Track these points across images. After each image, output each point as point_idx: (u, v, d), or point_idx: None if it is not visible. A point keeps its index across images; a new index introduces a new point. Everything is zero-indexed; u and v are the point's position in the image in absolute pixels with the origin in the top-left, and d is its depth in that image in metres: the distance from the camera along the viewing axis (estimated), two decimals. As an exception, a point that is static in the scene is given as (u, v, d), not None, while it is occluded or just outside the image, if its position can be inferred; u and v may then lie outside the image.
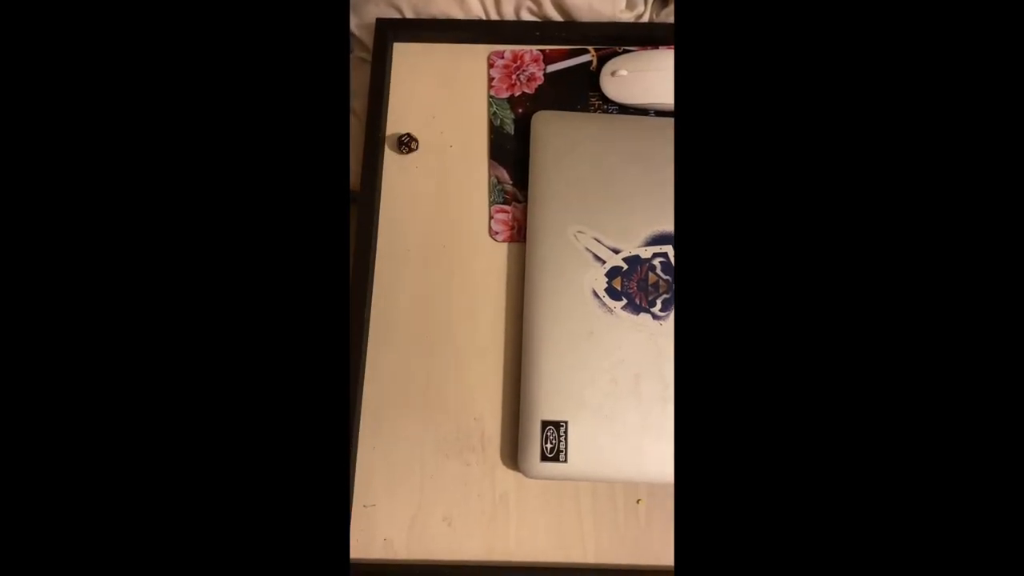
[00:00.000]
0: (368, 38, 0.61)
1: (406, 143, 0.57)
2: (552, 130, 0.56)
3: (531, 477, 0.48)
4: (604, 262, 0.52)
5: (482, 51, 0.61)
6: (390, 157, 0.58)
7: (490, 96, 0.60)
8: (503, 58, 0.61)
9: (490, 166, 0.58)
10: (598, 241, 0.52)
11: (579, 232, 0.52)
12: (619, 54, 0.60)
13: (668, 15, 0.64)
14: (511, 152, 0.58)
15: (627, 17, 0.63)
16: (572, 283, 0.51)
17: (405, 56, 0.60)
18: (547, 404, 0.49)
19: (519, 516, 0.50)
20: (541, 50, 0.61)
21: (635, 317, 0.51)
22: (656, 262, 0.52)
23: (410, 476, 0.50)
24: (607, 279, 0.51)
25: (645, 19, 0.64)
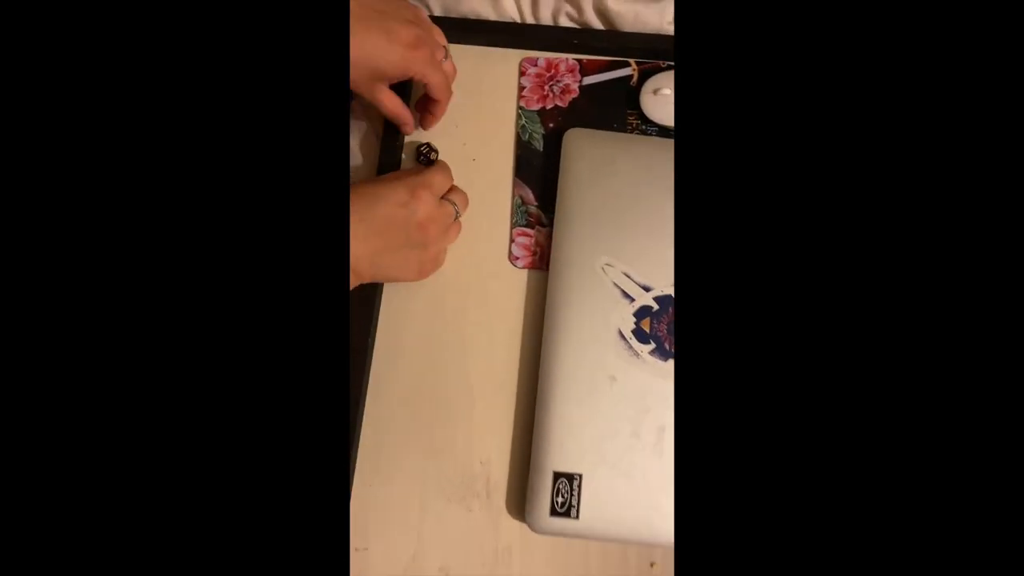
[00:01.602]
0: (392, 35, 0.57)
1: (425, 154, 0.53)
2: (585, 149, 0.51)
3: (538, 531, 0.44)
4: (633, 300, 0.47)
5: (514, 56, 0.56)
6: (408, 167, 0.53)
7: (519, 107, 0.55)
8: (536, 66, 0.56)
9: (514, 184, 0.53)
10: (628, 276, 0.48)
11: (608, 264, 0.48)
12: (663, 70, 0.55)
13: (717, 29, 0.59)
14: (538, 170, 0.53)
15: (674, 30, 0.58)
16: (597, 321, 0.47)
17: (431, 57, 0.56)
18: (561, 454, 0.45)
19: (522, 573, 0.46)
20: (578, 59, 0.56)
21: (663, 364, 0.46)
22: (690, 304, 0.47)
23: (407, 519, 0.46)
24: (635, 319, 0.47)
25: (692, 32, 0.60)
